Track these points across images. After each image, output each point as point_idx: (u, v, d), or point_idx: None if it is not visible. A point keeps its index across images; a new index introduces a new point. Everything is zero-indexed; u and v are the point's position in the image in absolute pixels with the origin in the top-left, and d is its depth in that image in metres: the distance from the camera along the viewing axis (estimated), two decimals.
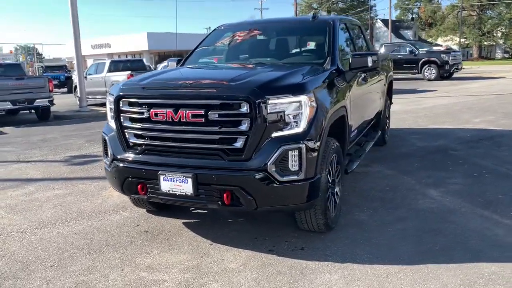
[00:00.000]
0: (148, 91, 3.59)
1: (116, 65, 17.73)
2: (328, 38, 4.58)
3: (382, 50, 23.59)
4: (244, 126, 3.27)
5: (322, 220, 3.69)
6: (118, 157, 3.73)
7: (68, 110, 16.18)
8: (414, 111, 11.22)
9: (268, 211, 4.23)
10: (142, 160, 3.62)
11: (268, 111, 3.26)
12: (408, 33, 68.09)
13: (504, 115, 10.11)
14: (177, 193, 3.44)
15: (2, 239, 4.05)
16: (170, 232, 4.06)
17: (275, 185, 3.28)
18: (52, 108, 13.89)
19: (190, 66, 4.87)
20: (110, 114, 3.87)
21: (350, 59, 4.38)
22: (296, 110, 3.34)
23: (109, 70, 16.97)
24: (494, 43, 66.21)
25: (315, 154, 3.40)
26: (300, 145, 3.29)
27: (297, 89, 3.37)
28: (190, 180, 3.36)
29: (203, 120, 3.32)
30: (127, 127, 3.68)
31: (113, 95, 3.76)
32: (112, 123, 3.83)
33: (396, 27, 66.88)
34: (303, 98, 3.34)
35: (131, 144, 3.69)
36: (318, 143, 3.43)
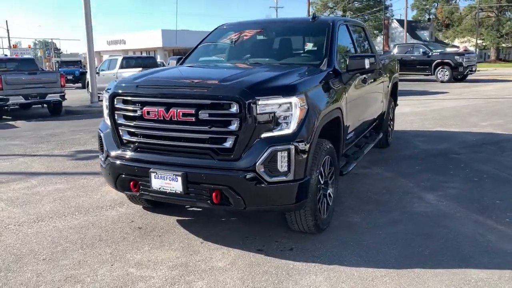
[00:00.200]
0: (141, 89, 3.63)
1: (128, 62, 17.94)
2: (327, 39, 4.57)
3: (395, 51, 23.40)
4: (233, 126, 3.30)
5: (312, 221, 3.69)
6: (112, 154, 3.79)
7: (80, 105, 16.41)
8: (422, 113, 11.11)
9: (258, 211, 4.25)
10: (135, 158, 3.67)
11: (258, 112, 3.27)
12: (425, 34, 67.24)
13: None
14: (167, 191, 3.48)
15: None
16: (163, 229, 4.11)
17: (263, 185, 3.29)
18: (64, 103, 14.11)
19: (189, 65, 4.91)
20: (105, 111, 3.93)
21: (347, 60, 4.37)
22: (286, 111, 3.34)
23: (121, 67, 17.18)
24: None
25: (305, 155, 3.40)
26: (289, 146, 3.30)
27: (288, 90, 3.38)
28: (180, 178, 3.40)
29: (193, 119, 3.35)
30: (121, 125, 3.73)
31: (108, 92, 3.82)
32: (108, 120, 3.89)
33: (412, 27, 66.15)
34: (293, 99, 3.34)
35: (124, 141, 3.75)
36: (308, 145, 3.43)
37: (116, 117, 3.75)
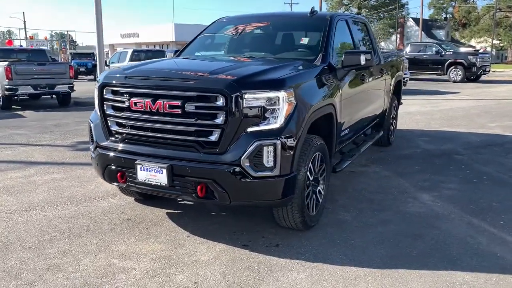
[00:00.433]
0: (129, 80, 3.61)
1: (138, 55, 18.00)
2: (323, 34, 4.51)
3: (408, 50, 23.13)
4: (219, 120, 3.26)
5: (299, 218, 3.65)
6: (101, 144, 3.78)
7: (89, 97, 16.45)
8: (429, 113, 10.94)
9: (245, 206, 4.22)
10: (122, 149, 3.65)
11: (244, 105, 3.23)
12: (441, 33, 66.26)
13: None
14: (153, 183, 3.46)
15: None
16: (152, 222, 4.10)
17: (248, 180, 3.25)
18: (74, 94, 14.21)
19: (184, 57, 4.88)
20: (96, 102, 3.92)
21: (342, 56, 4.30)
22: (273, 105, 3.29)
23: (131, 59, 17.22)
24: None
25: (292, 150, 3.35)
26: (276, 141, 3.25)
27: (275, 85, 3.33)
28: (165, 171, 3.37)
29: (179, 112, 3.33)
30: (109, 115, 3.73)
31: (98, 82, 3.81)
32: (98, 111, 3.88)
33: (428, 26, 65.19)
34: (281, 93, 3.29)
35: (113, 132, 3.74)
36: (296, 140, 3.38)
37: (105, 108, 3.74)
